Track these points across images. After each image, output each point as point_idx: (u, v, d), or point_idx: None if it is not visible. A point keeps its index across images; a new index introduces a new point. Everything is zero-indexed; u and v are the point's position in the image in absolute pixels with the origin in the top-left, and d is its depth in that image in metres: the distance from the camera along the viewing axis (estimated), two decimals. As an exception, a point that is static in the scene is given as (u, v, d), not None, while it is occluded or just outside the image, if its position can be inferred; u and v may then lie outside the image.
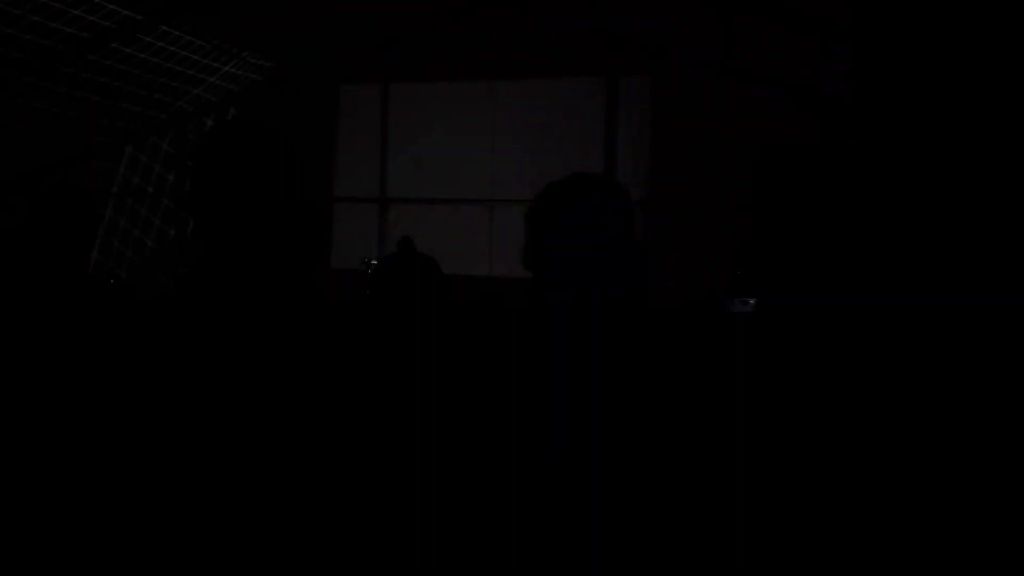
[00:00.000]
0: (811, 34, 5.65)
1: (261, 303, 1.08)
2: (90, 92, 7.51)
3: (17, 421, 1.14)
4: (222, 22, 7.07)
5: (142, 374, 1.04)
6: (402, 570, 1.07)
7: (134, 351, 1.06)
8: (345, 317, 1.20)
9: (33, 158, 7.65)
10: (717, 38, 6.82)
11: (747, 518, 1.14)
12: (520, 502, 1.05)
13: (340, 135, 8.97)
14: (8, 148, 7.41)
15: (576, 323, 1.17)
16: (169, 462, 1.01)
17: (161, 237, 9.12)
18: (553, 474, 1.06)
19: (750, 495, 1.14)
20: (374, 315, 1.95)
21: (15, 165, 7.84)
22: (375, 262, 6.98)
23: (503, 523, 1.05)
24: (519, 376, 1.14)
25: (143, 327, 1.10)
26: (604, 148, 8.18)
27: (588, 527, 1.03)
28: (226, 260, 1.09)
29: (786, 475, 1.16)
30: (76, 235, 1.58)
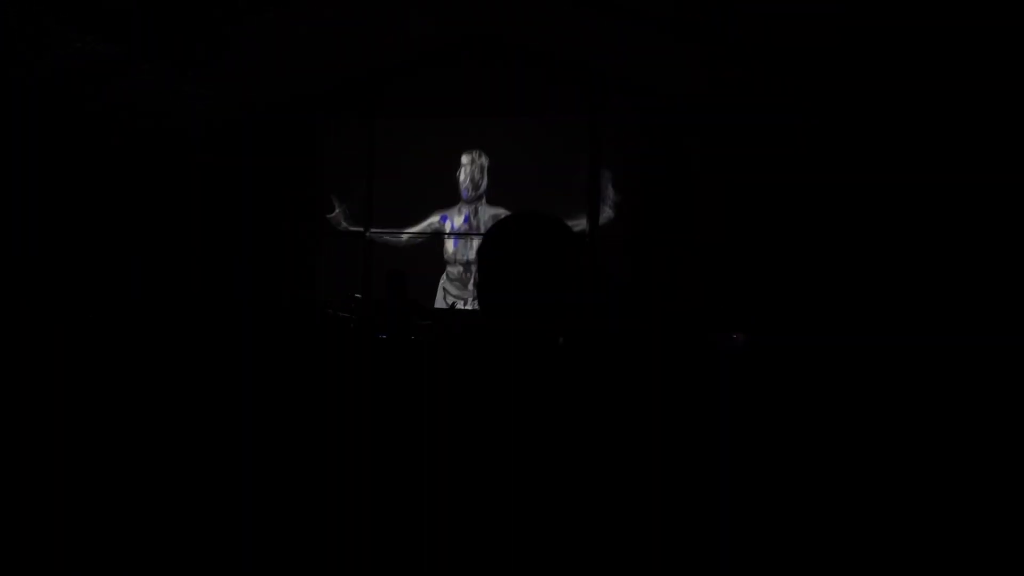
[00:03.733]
0: (789, 75, 5.80)
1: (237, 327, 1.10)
2: (76, 125, 7.52)
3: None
4: (211, 58, 7.14)
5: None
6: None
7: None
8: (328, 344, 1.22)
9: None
10: (700, 77, 6.98)
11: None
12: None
13: (326, 169, 9.03)
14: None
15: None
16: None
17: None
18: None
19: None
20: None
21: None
22: (359, 296, 6.98)
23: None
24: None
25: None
26: (588, 184, 8.29)
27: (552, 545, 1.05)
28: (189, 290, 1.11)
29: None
30: None
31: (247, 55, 7.28)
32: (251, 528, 1.04)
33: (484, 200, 8.65)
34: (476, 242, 8.61)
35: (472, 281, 8.57)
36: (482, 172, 8.64)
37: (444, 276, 8.72)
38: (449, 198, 8.74)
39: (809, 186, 6.05)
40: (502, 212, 8.56)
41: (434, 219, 8.76)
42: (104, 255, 8.42)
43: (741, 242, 7.31)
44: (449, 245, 8.73)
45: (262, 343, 1.08)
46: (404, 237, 8.83)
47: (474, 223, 8.67)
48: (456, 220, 8.72)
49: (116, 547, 1.05)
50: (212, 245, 8.30)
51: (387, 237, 8.89)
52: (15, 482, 1.11)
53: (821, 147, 5.78)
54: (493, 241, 1.26)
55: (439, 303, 8.30)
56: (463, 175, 8.71)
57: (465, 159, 8.69)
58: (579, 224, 8.18)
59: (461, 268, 8.65)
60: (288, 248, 8.83)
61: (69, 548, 1.04)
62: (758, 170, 7.25)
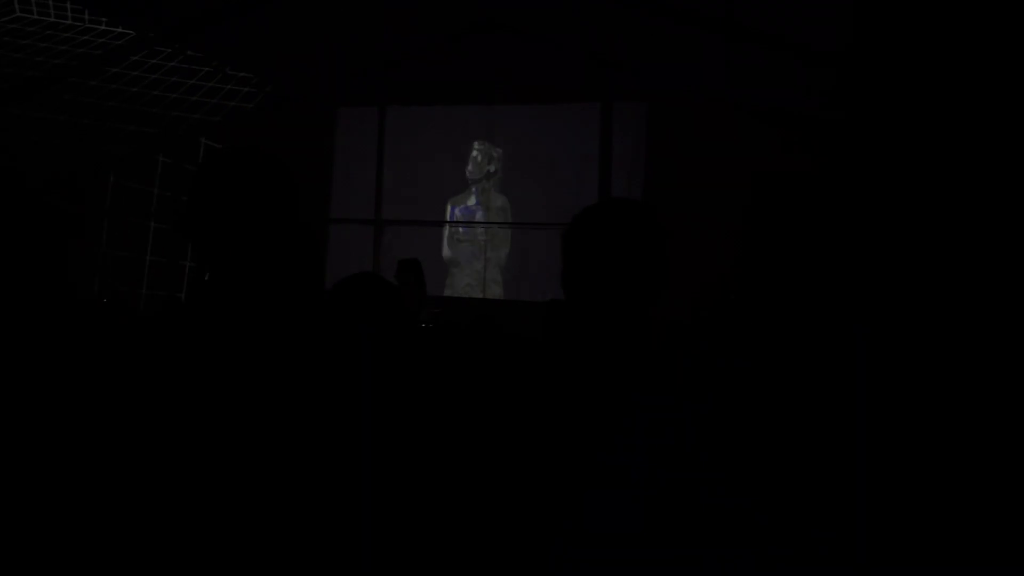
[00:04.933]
0: (801, 60, 5.73)
1: (260, 324, 1.09)
2: (84, 114, 7.54)
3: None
4: (222, 45, 7.14)
5: (132, 394, 1.04)
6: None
7: (123, 372, 1.06)
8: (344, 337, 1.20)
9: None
10: (712, 64, 6.91)
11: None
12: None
13: (336, 157, 9.02)
14: None
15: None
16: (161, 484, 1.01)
17: (157, 258, 9.11)
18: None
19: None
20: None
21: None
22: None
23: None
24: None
25: (136, 348, 1.10)
26: (599, 172, 8.24)
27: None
28: (224, 282, 1.10)
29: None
30: (40, 254, 1.57)
31: (253, 43, 7.26)
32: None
33: (492, 186, 8.64)
34: (494, 229, 8.60)
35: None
36: (490, 158, 8.63)
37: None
38: (459, 185, 8.72)
39: (830, 179, 5.96)
40: (505, 199, 8.54)
41: (444, 209, 8.77)
42: (113, 247, 8.47)
43: (761, 234, 7.24)
44: (459, 227, 8.74)
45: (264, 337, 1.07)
46: (416, 226, 8.82)
47: (483, 207, 8.66)
48: (468, 201, 8.72)
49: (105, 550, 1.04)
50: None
51: (396, 227, 8.89)
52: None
53: (841, 138, 5.70)
54: (584, 228, 1.22)
55: (447, 289, 8.29)
56: (471, 162, 8.69)
57: (477, 146, 8.68)
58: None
59: (469, 247, 8.67)
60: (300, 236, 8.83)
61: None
62: (776, 160, 7.17)
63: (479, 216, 8.66)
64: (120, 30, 6.47)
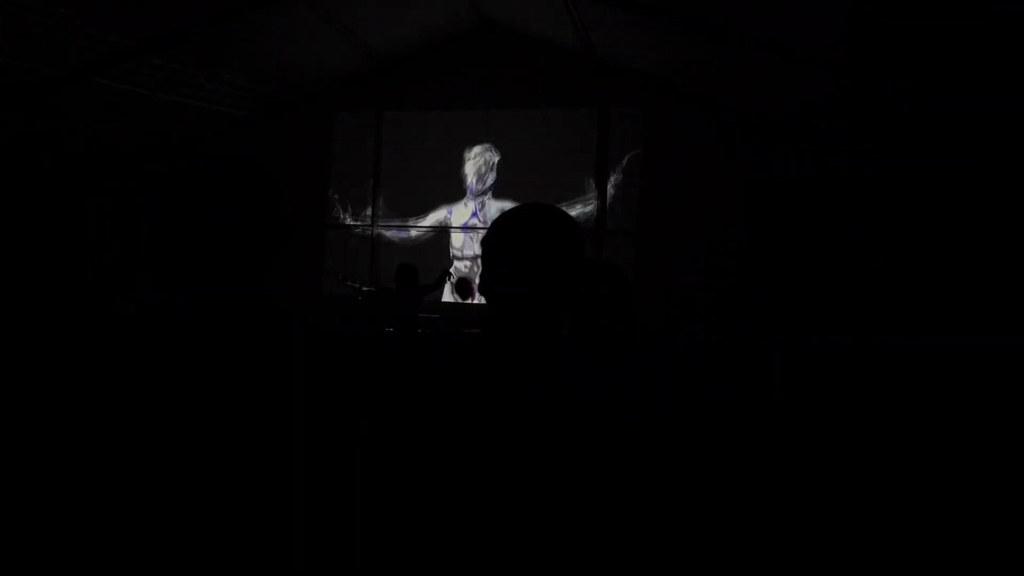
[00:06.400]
0: (797, 68, 5.75)
1: (253, 327, 1.09)
2: (86, 120, 7.54)
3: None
4: (221, 52, 7.14)
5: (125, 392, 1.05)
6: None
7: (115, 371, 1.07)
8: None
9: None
10: (708, 72, 6.93)
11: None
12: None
13: (334, 163, 9.02)
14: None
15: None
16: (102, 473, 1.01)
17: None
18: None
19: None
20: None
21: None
22: (367, 288, 6.97)
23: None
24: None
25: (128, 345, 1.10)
26: (596, 177, 8.25)
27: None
28: (214, 290, 1.10)
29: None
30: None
31: (253, 48, 7.27)
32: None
33: (490, 195, 8.63)
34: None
35: (478, 274, 8.55)
36: (488, 167, 8.62)
37: (452, 271, 8.72)
38: (456, 191, 8.72)
39: (830, 183, 5.98)
40: (509, 206, 8.53)
41: (441, 213, 8.75)
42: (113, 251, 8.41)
43: (751, 238, 7.26)
44: (455, 240, 8.73)
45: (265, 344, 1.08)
46: (412, 232, 8.82)
47: (481, 218, 8.65)
48: (463, 215, 8.72)
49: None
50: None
51: (393, 232, 8.88)
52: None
53: (842, 141, 5.72)
54: (499, 232, 1.25)
55: (446, 298, 8.29)
56: (469, 169, 8.69)
57: (470, 153, 8.66)
58: (587, 217, 8.16)
59: (468, 263, 8.65)
60: (295, 243, 8.84)
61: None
62: (772, 165, 7.20)
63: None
64: (106, 34, 6.45)
